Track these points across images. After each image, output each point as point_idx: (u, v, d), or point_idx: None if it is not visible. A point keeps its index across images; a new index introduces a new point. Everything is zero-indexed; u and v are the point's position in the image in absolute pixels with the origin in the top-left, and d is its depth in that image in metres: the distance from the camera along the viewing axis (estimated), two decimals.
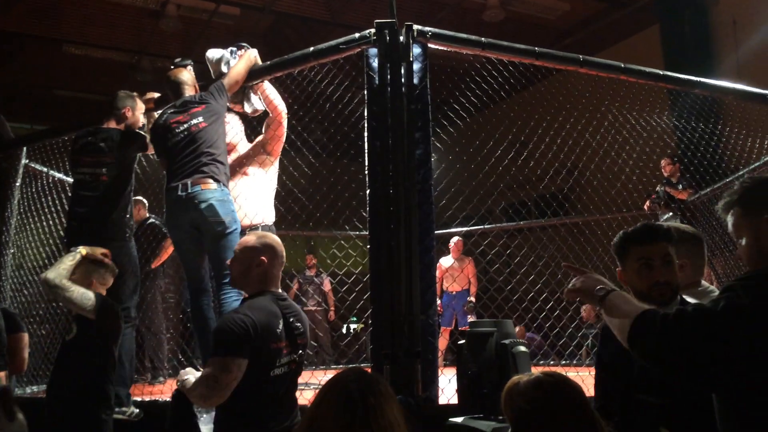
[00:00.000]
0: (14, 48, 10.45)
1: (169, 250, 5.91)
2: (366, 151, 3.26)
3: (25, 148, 5.09)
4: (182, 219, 3.46)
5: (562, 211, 7.51)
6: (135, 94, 4.17)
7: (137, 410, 3.52)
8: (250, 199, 3.90)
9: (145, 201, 6.14)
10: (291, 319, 2.48)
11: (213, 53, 3.92)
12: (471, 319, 7.66)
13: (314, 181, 4.58)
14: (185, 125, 3.57)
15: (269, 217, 4.03)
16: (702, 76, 4.36)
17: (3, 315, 3.63)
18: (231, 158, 4.08)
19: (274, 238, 2.63)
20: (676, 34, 8.90)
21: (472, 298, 7.78)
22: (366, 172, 3.24)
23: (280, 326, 2.41)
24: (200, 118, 3.57)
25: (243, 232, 3.77)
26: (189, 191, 3.42)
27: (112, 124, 3.99)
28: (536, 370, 1.63)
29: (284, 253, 2.61)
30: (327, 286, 7.99)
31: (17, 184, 5.00)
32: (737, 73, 7.95)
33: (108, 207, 3.81)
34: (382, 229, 3.10)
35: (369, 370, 1.53)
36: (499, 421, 2.48)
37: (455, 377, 2.82)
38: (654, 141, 5.42)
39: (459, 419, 2.60)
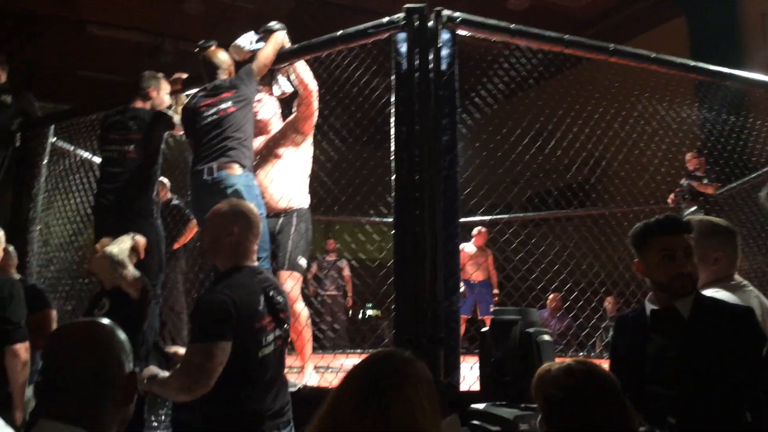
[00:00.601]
0: (37, 29, 10.51)
1: (191, 231, 5.95)
2: (392, 136, 3.25)
3: (52, 127, 5.14)
4: (207, 203, 3.46)
5: (588, 202, 7.47)
6: (160, 74, 4.23)
7: None
8: (284, 182, 3.90)
9: (167, 182, 6.18)
10: (271, 293, 2.36)
11: (240, 39, 3.95)
12: (492, 309, 7.67)
13: (339, 166, 4.58)
14: (214, 109, 3.59)
15: (304, 200, 4.02)
16: (731, 67, 4.28)
17: (31, 291, 3.68)
18: (264, 138, 4.09)
19: (249, 207, 2.48)
20: (703, 26, 8.76)
21: (497, 291, 7.77)
22: (392, 157, 3.23)
23: (261, 303, 2.28)
24: (229, 103, 3.58)
25: (278, 216, 3.80)
26: (214, 176, 3.44)
27: (139, 104, 4.05)
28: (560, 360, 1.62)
29: (260, 224, 2.46)
30: (346, 272, 8.00)
31: (44, 162, 5.06)
32: (767, 67, 7.82)
33: (135, 184, 3.85)
34: (407, 216, 3.10)
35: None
36: (522, 408, 2.49)
37: (476, 365, 2.83)
38: (681, 133, 5.37)
39: (481, 406, 2.61)
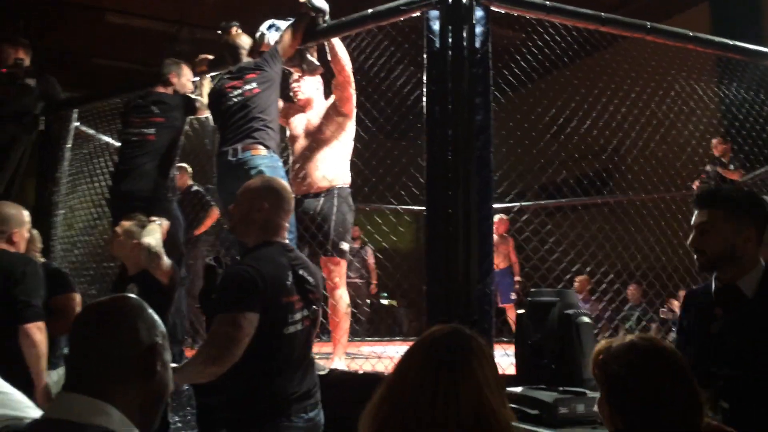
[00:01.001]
0: (55, 16, 10.51)
1: (212, 218, 5.93)
2: (425, 115, 3.19)
3: (76, 112, 5.13)
4: (232, 185, 3.42)
5: (606, 190, 7.38)
6: (181, 61, 4.27)
7: None
8: (326, 161, 3.87)
9: (188, 168, 6.15)
10: (301, 272, 2.30)
11: (262, 26, 3.93)
12: (513, 297, 7.59)
13: (362, 156, 4.52)
14: (239, 90, 3.57)
15: (346, 179, 3.99)
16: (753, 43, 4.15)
17: (55, 274, 3.67)
18: (306, 117, 4.06)
19: (281, 184, 2.44)
20: (727, 12, 8.61)
21: (519, 278, 7.69)
22: (424, 136, 3.17)
23: (290, 279, 2.23)
24: (254, 84, 3.55)
25: (318, 195, 3.77)
26: (239, 157, 3.41)
27: (161, 89, 4.11)
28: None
29: (292, 201, 2.42)
30: (371, 260, 7.92)
31: (68, 146, 5.05)
32: None
33: (152, 166, 3.87)
34: (439, 196, 3.05)
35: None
36: (561, 392, 2.43)
37: (503, 352, 2.77)
38: (705, 119, 5.28)
39: (518, 389, 2.56)
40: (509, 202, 7.00)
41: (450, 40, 3.15)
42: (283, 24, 3.88)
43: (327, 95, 4.19)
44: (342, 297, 3.72)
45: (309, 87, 4.14)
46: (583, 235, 6.24)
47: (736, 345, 1.83)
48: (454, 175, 3.01)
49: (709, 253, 1.97)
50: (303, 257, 2.49)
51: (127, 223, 3.24)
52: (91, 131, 5.24)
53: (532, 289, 2.66)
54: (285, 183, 2.50)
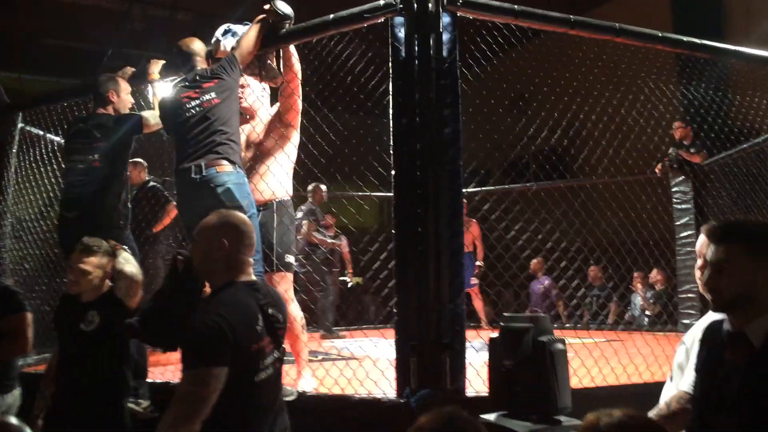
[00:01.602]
0: None
1: (171, 214, 5.75)
2: (391, 129, 3.07)
3: (20, 113, 4.85)
4: (196, 203, 3.27)
5: (562, 169, 7.38)
6: (118, 74, 4.07)
7: (151, 406, 3.40)
8: (266, 174, 3.72)
9: (144, 163, 5.94)
10: (270, 311, 2.20)
11: (217, 32, 3.73)
12: (474, 282, 7.59)
13: (326, 136, 4.36)
14: (197, 101, 3.37)
15: (286, 192, 3.84)
16: (713, 39, 4.10)
17: (3, 294, 3.49)
18: (249, 127, 3.88)
19: (239, 218, 2.32)
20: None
21: (480, 263, 7.68)
22: (390, 151, 3.06)
23: (260, 322, 2.13)
24: (212, 94, 3.36)
25: (259, 209, 3.61)
26: (204, 174, 3.24)
27: (101, 111, 3.91)
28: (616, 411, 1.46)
29: (253, 234, 2.31)
30: (345, 249, 7.72)
31: (14, 150, 4.78)
32: (746, 37, 7.73)
33: (102, 194, 3.72)
34: (408, 214, 2.95)
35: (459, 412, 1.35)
36: (534, 421, 2.39)
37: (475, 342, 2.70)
38: (663, 105, 5.28)
39: (491, 416, 2.51)
40: (473, 186, 6.99)
41: (417, 48, 3.03)
42: (240, 29, 3.68)
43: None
44: (294, 312, 3.60)
45: (253, 95, 3.91)
46: (548, 218, 6.25)
47: (736, 395, 1.75)
48: (423, 191, 2.92)
49: (725, 295, 1.80)
50: (270, 291, 2.38)
51: (78, 253, 3.05)
52: (39, 132, 4.97)
53: (506, 314, 2.58)
54: (244, 216, 2.37)
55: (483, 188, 7.49)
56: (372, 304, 9.07)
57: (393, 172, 3.03)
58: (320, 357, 4.98)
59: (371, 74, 3.71)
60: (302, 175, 4.30)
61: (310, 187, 7.00)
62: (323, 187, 7.10)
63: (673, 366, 2.36)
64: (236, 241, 2.22)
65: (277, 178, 3.72)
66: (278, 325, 2.24)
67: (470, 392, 2.84)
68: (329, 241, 7.10)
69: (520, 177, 7.93)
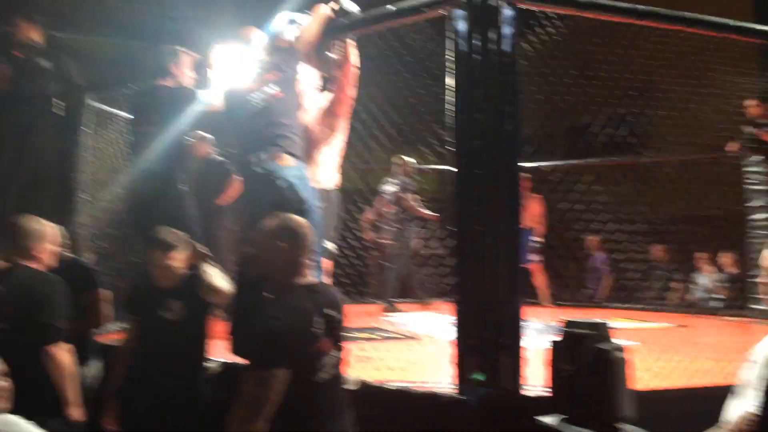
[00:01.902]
0: None
1: (234, 187, 5.86)
2: (450, 126, 3.04)
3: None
4: (259, 195, 3.35)
5: (636, 150, 7.17)
6: (179, 48, 4.15)
7: None
8: (313, 165, 3.77)
9: (210, 137, 6.05)
10: (327, 311, 2.26)
11: (276, 22, 3.73)
12: (535, 258, 7.49)
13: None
14: (258, 93, 3.41)
15: (330, 181, 3.88)
16: None
17: (79, 271, 3.67)
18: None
19: (298, 221, 2.40)
20: None
21: (538, 238, 7.55)
22: (451, 149, 3.04)
23: (317, 324, 2.20)
24: (273, 86, 3.40)
25: None
26: (265, 167, 3.31)
27: (161, 82, 4.03)
28: None
29: (310, 237, 2.37)
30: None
31: (88, 129, 4.97)
32: None
33: (165, 165, 3.87)
34: (467, 212, 2.95)
35: None
36: (595, 429, 2.40)
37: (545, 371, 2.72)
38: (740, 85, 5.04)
39: (551, 419, 2.53)
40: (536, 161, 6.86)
41: (476, 43, 2.96)
42: (301, 18, 3.69)
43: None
44: None
45: (304, 84, 3.88)
46: (614, 194, 6.12)
47: None
48: (482, 191, 2.90)
49: None
50: (328, 292, 2.44)
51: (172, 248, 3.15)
52: (111, 110, 5.14)
53: (569, 319, 2.59)
54: (301, 220, 2.45)
55: (547, 163, 7.32)
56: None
57: (453, 170, 3.02)
58: (380, 335, 5.05)
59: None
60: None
61: (397, 160, 7.03)
62: (410, 159, 7.11)
63: (741, 381, 2.31)
64: (294, 245, 2.30)
65: (323, 169, 3.76)
66: (337, 325, 2.30)
67: (529, 391, 2.85)
68: (431, 213, 7.14)
69: (585, 153, 7.73)
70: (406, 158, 7.02)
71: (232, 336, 2.86)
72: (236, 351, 2.75)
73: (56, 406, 2.94)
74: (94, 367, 3.65)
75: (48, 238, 3.24)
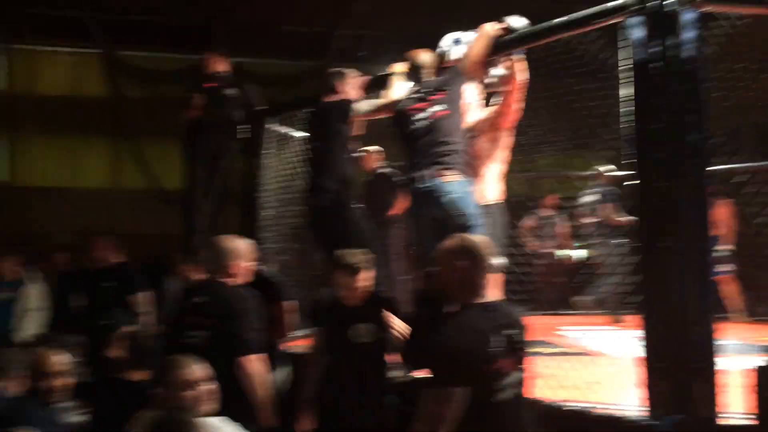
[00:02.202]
0: None
1: (403, 201, 6.01)
2: (628, 137, 2.93)
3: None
4: (423, 212, 3.45)
5: None
6: (345, 70, 4.37)
7: None
8: (477, 179, 3.77)
9: (376, 150, 6.22)
10: (506, 331, 2.24)
11: (444, 41, 3.79)
12: (725, 268, 6.90)
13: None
14: (424, 113, 3.51)
15: (493, 194, 3.85)
16: None
17: (267, 284, 3.90)
18: None
19: (477, 240, 2.41)
20: None
21: (727, 246, 6.95)
22: (631, 160, 2.93)
23: (494, 344, 2.18)
24: (440, 106, 3.48)
25: None
26: (429, 184, 3.39)
27: (328, 99, 4.26)
28: None
29: (488, 257, 2.36)
30: (559, 229, 7.57)
31: (269, 149, 5.36)
32: None
33: (328, 177, 4.09)
34: (651, 226, 2.83)
35: None
36: None
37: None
38: None
39: None
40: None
41: (656, 49, 2.83)
42: (467, 37, 3.72)
43: None
44: None
45: (469, 100, 3.86)
46: None
47: None
48: (666, 204, 2.77)
49: None
50: (507, 312, 2.44)
51: (359, 270, 3.28)
52: (290, 131, 5.49)
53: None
54: (481, 239, 2.46)
55: (737, 165, 6.73)
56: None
57: (633, 183, 2.90)
58: (551, 350, 4.92)
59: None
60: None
61: (601, 168, 6.87)
62: (608, 167, 6.89)
63: None
64: (472, 264, 2.31)
65: (486, 184, 3.75)
66: (518, 345, 2.28)
67: (727, 419, 2.67)
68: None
69: None
70: (602, 167, 6.78)
71: (411, 351, 2.95)
72: (414, 366, 2.83)
73: (250, 412, 3.16)
74: (282, 374, 3.92)
75: (243, 255, 3.47)
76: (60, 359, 3.02)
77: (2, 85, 13.74)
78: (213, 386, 2.56)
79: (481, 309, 2.30)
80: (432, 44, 3.94)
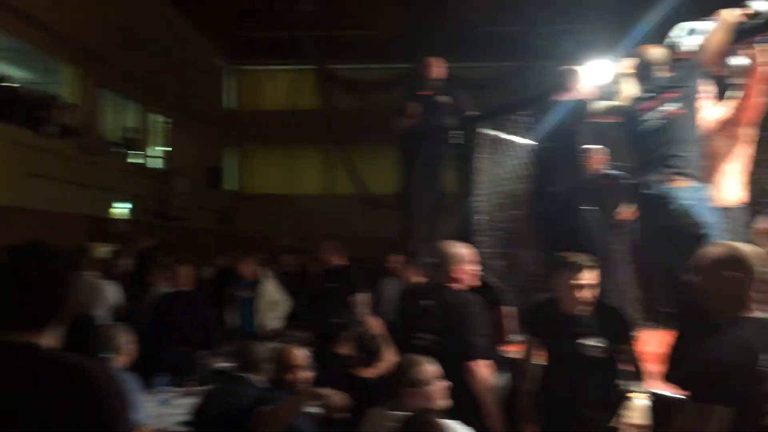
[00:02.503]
0: None
1: (633, 208, 5.75)
2: None
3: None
4: (652, 218, 3.25)
5: None
6: (576, 68, 4.31)
7: None
8: (716, 181, 3.47)
9: (599, 150, 5.97)
10: None
11: (675, 31, 3.55)
12: None
13: None
14: (654, 112, 3.31)
15: (734, 197, 3.51)
16: None
17: (488, 291, 3.92)
18: None
19: (750, 251, 2.18)
20: None
21: None
22: None
23: (763, 363, 2.02)
24: (671, 105, 3.26)
25: None
26: (658, 190, 3.19)
27: (560, 98, 4.21)
28: None
29: (760, 268, 2.14)
30: None
31: (482, 154, 5.39)
32: None
33: (558, 176, 4.07)
34: None
35: None
36: None
37: None
38: None
39: None
40: None
41: None
42: (704, 26, 3.45)
43: None
44: None
45: (704, 96, 3.58)
46: None
47: None
48: None
49: None
50: None
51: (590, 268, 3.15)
52: (503, 134, 5.47)
53: None
54: (752, 249, 2.24)
55: None
56: None
57: None
58: None
59: None
60: None
61: None
62: None
63: None
64: (742, 276, 2.16)
65: (725, 184, 3.43)
66: None
67: None
68: None
69: None
70: None
71: (671, 364, 2.79)
72: (674, 380, 2.69)
73: (477, 415, 3.19)
74: (502, 378, 3.92)
75: (466, 260, 3.51)
76: (302, 353, 3.28)
77: (233, 104, 15.44)
78: (446, 384, 2.64)
79: (751, 324, 2.15)
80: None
